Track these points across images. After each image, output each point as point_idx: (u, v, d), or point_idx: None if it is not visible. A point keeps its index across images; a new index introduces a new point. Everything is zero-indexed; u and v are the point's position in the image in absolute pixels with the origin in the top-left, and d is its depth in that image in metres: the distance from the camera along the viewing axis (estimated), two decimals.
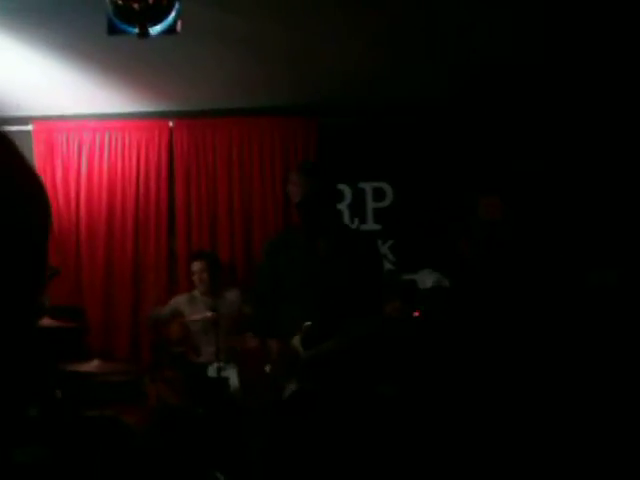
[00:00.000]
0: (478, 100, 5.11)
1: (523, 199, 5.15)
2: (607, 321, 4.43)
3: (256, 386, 2.99)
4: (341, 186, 5.24)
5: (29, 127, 5.23)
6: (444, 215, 5.18)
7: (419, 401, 3.94)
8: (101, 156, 5.31)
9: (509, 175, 5.18)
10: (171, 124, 5.34)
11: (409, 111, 5.26)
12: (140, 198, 5.28)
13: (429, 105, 5.19)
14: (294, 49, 4.28)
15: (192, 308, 4.69)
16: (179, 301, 4.83)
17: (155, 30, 2.73)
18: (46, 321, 3.85)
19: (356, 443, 2.76)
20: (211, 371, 4.17)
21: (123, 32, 2.73)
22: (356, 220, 5.36)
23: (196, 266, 4.80)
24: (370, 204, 5.38)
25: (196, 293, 4.83)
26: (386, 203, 5.38)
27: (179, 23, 2.81)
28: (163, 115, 5.33)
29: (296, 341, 2.79)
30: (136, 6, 2.57)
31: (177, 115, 5.34)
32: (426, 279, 4.53)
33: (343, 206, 5.30)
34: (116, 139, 5.32)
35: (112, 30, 2.75)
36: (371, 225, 5.37)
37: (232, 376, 4.07)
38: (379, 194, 5.39)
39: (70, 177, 5.28)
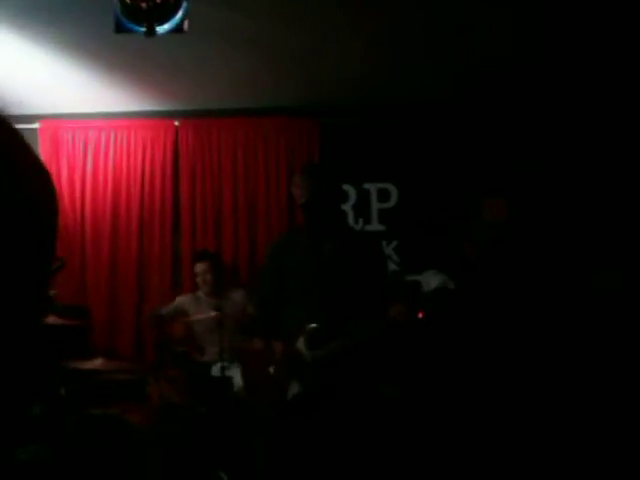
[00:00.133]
0: (483, 101, 5.11)
1: (528, 201, 5.14)
2: (612, 323, 4.42)
3: (260, 387, 2.99)
4: (346, 187, 5.23)
5: (35, 125, 5.24)
6: (448, 216, 5.18)
7: (422, 402, 3.94)
8: (106, 155, 5.31)
9: (513, 176, 5.18)
10: (177, 123, 5.35)
11: (414, 112, 5.26)
12: (145, 197, 5.28)
13: (434, 106, 5.19)
14: (300, 50, 4.28)
15: (196, 308, 4.69)
16: (184, 300, 4.83)
17: (162, 29, 2.73)
18: (51, 319, 3.86)
19: (359, 444, 2.76)
20: (215, 370, 4.17)
21: (130, 31, 2.74)
22: (360, 221, 5.35)
23: (199, 267, 4.79)
24: (375, 205, 5.37)
25: (200, 293, 4.83)
26: (391, 204, 5.38)
27: (186, 22, 2.82)
28: (169, 114, 5.34)
29: (300, 343, 2.78)
30: (144, 5, 2.57)
31: (183, 114, 5.35)
32: (430, 280, 4.52)
33: (348, 207, 5.30)
34: (122, 138, 5.33)
35: (119, 29, 2.75)
36: (376, 226, 5.36)
37: (236, 375, 4.07)
38: (384, 195, 5.38)
39: (75, 176, 5.29)
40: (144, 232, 5.27)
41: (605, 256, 4.94)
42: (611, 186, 5.09)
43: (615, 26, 4.03)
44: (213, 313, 4.22)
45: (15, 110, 5.05)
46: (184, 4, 2.73)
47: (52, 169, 5.21)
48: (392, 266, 5.15)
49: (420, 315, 4.09)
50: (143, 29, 2.68)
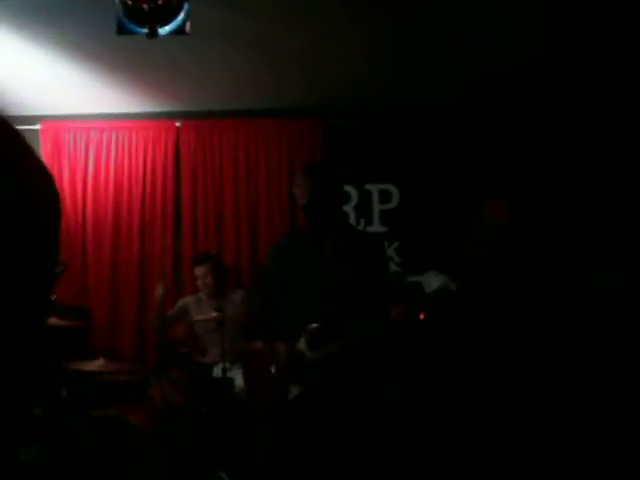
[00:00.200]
0: (485, 103, 5.11)
1: (529, 202, 5.14)
2: (612, 324, 4.42)
3: (261, 387, 2.99)
4: (347, 188, 5.24)
5: (36, 126, 5.25)
6: (450, 218, 5.18)
7: (423, 403, 3.94)
8: (108, 156, 5.32)
9: (515, 178, 5.18)
10: (178, 124, 5.35)
11: (416, 113, 5.26)
12: (147, 198, 5.29)
13: (436, 107, 5.19)
14: (301, 51, 4.28)
15: (198, 309, 4.69)
16: (186, 302, 4.83)
17: (164, 30, 2.73)
18: (52, 320, 3.86)
19: (360, 444, 2.76)
20: (216, 372, 4.17)
21: (132, 32, 2.74)
22: (362, 222, 5.36)
23: (199, 270, 4.77)
24: (376, 206, 5.38)
25: (202, 295, 4.82)
26: (392, 205, 5.38)
27: (188, 24, 2.82)
28: (170, 115, 5.34)
29: (302, 343, 2.78)
30: (145, 6, 2.57)
31: (184, 115, 5.35)
32: (432, 281, 4.52)
33: (349, 208, 5.30)
34: (123, 139, 5.33)
35: (121, 30, 2.75)
36: (377, 227, 5.36)
37: (237, 377, 4.07)
38: (385, 196, 5.38)
39: (77, 177, 5.30)
40: (145, 233, 5.27)
41: (605, 257, 4.94)
42: (611, 187, 5.08)
43: (616, 28, 4.03)
44: (214, 314, 4.22)
45: (16, 111, 5.06)
46: (186, 5, 2.73)
47: (53, 170, 5.21)
48: (393, 267, 5.15)
49: (421, 316, 4.09)
50: (145, 31, 2.68)
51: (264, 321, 3.07)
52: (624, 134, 5.07)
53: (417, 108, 5.20)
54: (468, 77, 4.75)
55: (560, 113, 5.13)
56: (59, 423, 3.52)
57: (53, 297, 3.83)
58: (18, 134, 0.77)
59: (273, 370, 2.85)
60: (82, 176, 5.29)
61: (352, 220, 5.29)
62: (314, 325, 2.77)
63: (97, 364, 3.85)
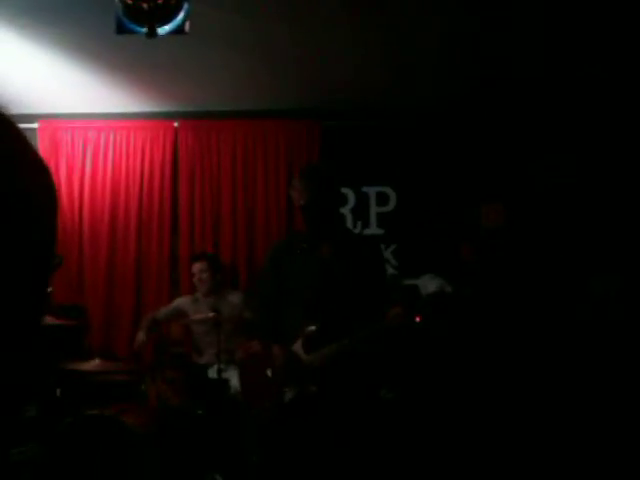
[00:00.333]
0: (482, 106, 5.12)
1: (526, 205, 5.15)
2: (610, 327, 4.42)
3: (257, 389, 2.98)
4: (345, 190, 5.22)
5: (34, 125, 5.23)
6: (447, 220, 5.18)
7: (419, 406, 3.94)
8: (105, 155, 5.31)
9: (512, 181, 5.19)
10: (176, 125, 5.35)
11: (413, 116, 5.27)
12: (144, 198, 5.28)
13: (433, 110, 5.20)
14: (300, 53, 4.28)
15: (195, 309, 4.69)
16: (182, 302, 4.82)
17: (163, 30, 2.73)
18: (48, 319, 3.85)
19: (356, 447, 2.75)
20: (211, 372, 4.16)
21: (132, 32, 2.74)
22: (359, 224, 5.36)
23: (196, 267, 4.79)
24: (373, 208, 5.38)
25: (199, 295, 4.82)
26: (389, 208, 5.38)
27: (187, 24, 2.81)
28: (168, 116, 5.34)
29: (298, 345, 2.78)
30: (145, 6, 2.57)
31: (182, 116, 5.35)
32: (428, 284, 4.52)
33: (346, 210, 5.30)
34: (121, 139, 5.33)
35: (121, 29, 2.75)
36: (374, 229, 5.36)
37: (233, 378, 4.06)
38: (382, 199, 5.39)
39: (74, 176, 5.29)
40: (142, 233, 5.26)
41: (603, 260, 4.94)
42: (609, 190, 5.09)
43: (618, 34, 4.04)
44: (211, 314, 4.21)
45: (14, 109, 5.01)
46: (185, 5, 2.73)
47: (51, 169, 5.19)
48: (390, 270, 5.15)
49: (417, 319, 4.09)
50: (144, 30, 2.68)
51: (261, 323, 3.06)
52: (621, 136, 5.08)
53: (415, 111, 5.21)
54: (466, 80, 4.75)
55: (556, 116, 5.14)
56: (54, 423, 3.51)
57: (49, 289, 3.82)
58: (16, 129, 0.77)
59: (269, 372, 2.84)
60: (79, 175, 5.28)
61: (349, 222, 5.30)
62: (311, 327, 2.77)
63: (92, 364, 3.83)
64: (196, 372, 4.13)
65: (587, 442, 3.72)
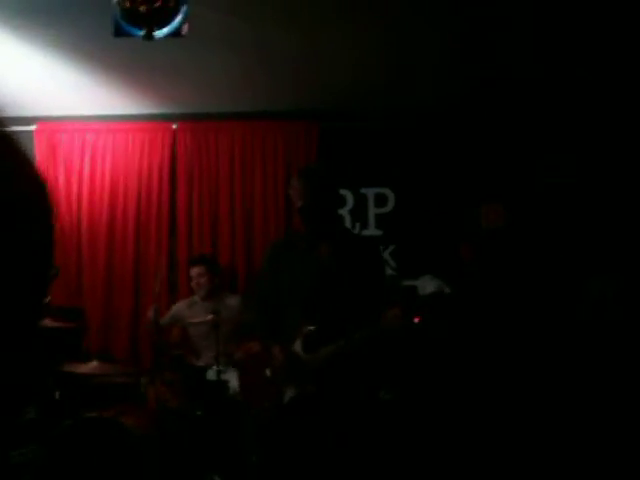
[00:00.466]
0: (480, 107, 5.12)
1: (525, 206, 5.15)
2: (608, 328, 4.43)
3: (256, 389, 2.98)
4: (343, 191, 5.23)
5: (32, 127, 5.24)
6: (446, 221, 5.19)
7: (418, 406, 3.94)
8: (104, 158, 5.31)
9: (511, 182, 5.19)
10: (174, 127, 5.35)
11: (411, 117, 5.27)
12: (142, 200, 5.28)
13: (432, 111, 5.20)
14: (298, 54, 4.29)
15: (192, 312, 4.69)
16: (179, 307, 4.83)
17: (161, 33, 2.74)
18: (46, 322, 3.85)
19: (355, 448, 2.76)
20: (210, 374, 4.16)
21: (129, 34, 2.74)
22: (358, 225, 5.36)
23: (194, 271, 4.78)
24: (372, 210, 5.38)
25: (196, 298, 4.82)
26: (388, 209, 5.39)
27: (185, 27, 2.82)
28: (166, 118, 5.34)
29: (297, 345, 2.78)
30: (143, 9, 2.57)
31: (180, 118, 5.35)
32: (427, 285, 4.53)
33: (345, 211, 5.31)
34: (119, 141, 5.33)
35: (118, 32, 2.76)
36: (373, 230, 5.37)
37: (231, 380, 4.07)
38: (381, 200, 5.39)
39: (72, 178, 5.29)
40: (140, 235, 5.26)
41: (602, 261, 4.95)
42: (608, 190, 5.10)
43: (619, 37, 4.04)
44: (210, 316, 4.21)
45: (12, 112, 5.05)
46: (183, 8, 2.73)
47: (49, 171, 5.20)
48: (389, 271, 5.16)
49: (416, 320, 4.09)
50: (142, 33, 2.68)
51: (259, 323, 3.06)
52: (620, 137, 5.09)
53: (413, 112, 5.21)
54: (465, 81, 4.76)
55: (556, 116, 5.14)
56: (52, 425, 3.51)
57: (47, 300, 3.82)
58: (14, 142, 0.78)
59: (268, 372, 2.85)
60: (77, 178, 5.28)
61: (348, 224, 5.30)
62: (310, 327, 2.77)
63: (91, 366, 3.83)
64: (195, 374, 4.13)
65: (587, 442, 3.73)
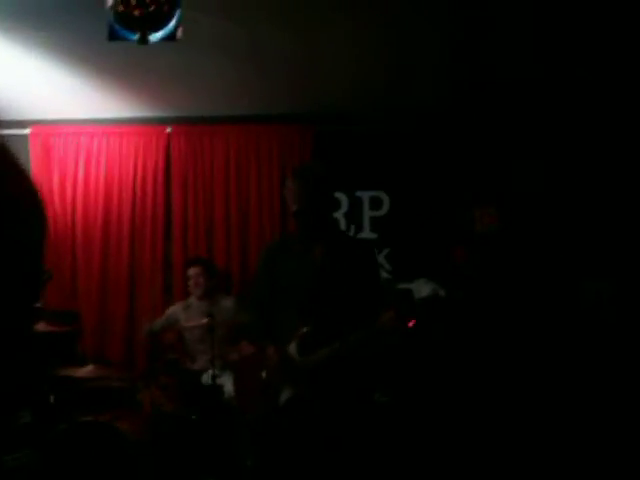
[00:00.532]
0: (475, 110, 5.14)
1: (519, 209, 5.17)
2: (602, 331, 4.44)
3: (251, 392, 2.98)
4: (338, 194, 5.25)
5: (26, 131, 5.23)
6: (440, 224, 5.20)
7: (412, 409, 3.94)
8: (98, 161, 5.31)
9: (505, 185, 5.21)
10: (169, 130, 5.35)
11: (406, 121, 5.28)
12: (137, 203, 5.28)
13: (426, 115, 5.21)
14: (293, 58, 4.30)
15: (187, 315, 4.69)
16: (175, 310, 4.83)
17: (155, 37, 2.74)
18: (41, 326, 3.84)
19: (350, 450, 2.76)
20: (205, 378, 4.16)
21: (124, 39, 2.74)
22: (353, 228, 5.37)
23: (192, 271, 4.81)
24: (367, 213, 5.39)
25: (191, 300, 4.83)
26: (383, 212, 5.40)
27: (179, 31, 2.82)
28: (161, 121, 5.34)
29: (292, 348, 2.78)
30: (137, 13, 2.58)
31: (175, 121, 5.35)
32: (422, 288, 4.53)
33: (340, 214, 5.32)
34: (113, 144, 5.33)
35: (112, 36, 2.76)
36: (367, 233, 5.38)
37: (226, 383, 4.06)
38: (376, 203, 5.40)
39: (67, 181, 5.28)
40: (135, 238, 5.26)
41: (596, 264, 4.96)
42: (602, 193, 5.12)
43: (614, 40, 4.06)
44: (204, 320, 4.21)
45: (6, 115, 5.05)
46: (177, 12, 2.73)
47: (43, 175, 5.20)
48: (384, 274, 5.16)
49: (411, 323, 4.10)
50: (136, 37, 2.69)
51: (254, 325, 3.06)
52: (615, 140, 5.10)
53: (408, 115, 5.22)
54: (459, 85, 4.77)
55: (550, 120, 5.16)
56: (47, 429, 3.50)
57: (39, 305, 3.81)
58: (4, 150, 0.78)
59: (264, 375, 2.84)
60: (72, 181, 5.28)
61: (342, 227, 5.31)
62: (305, 329, 2.77)
63: (86, 370, 3.83)
64: (190, 378, 4.13)
65: (583, 445, 3.73)
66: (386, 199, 5.40)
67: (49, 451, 3.35)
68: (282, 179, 5.11)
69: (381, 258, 5.25)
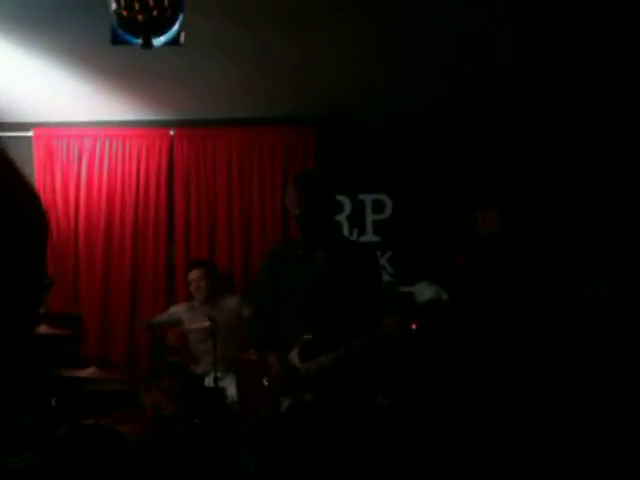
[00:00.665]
0: (476, 113, 5.14)
1: (521, 212, 5.16)
2: (603, 334, 4.44)
3: (254, 398, 2.98)
4: (341, 197, 5.26)
5: (29, 133, 5.24)
6: (442, 227, 5.20)
7: (415, 413, 3.94)
8: (101, 164, 5.31)
9: (507, 188, 5.20)
10: (172, 133, 5.35)
11: (409, 124, 5.28)
12: (139, 206, 5.28)
13: (429, 118, 5.21)
14: (296, 61, 4.30)
15: (191, 317, 4.69)
16: (178, 310, 4.82)
17: (158, 41, 2.74)
18: (43, 328, 3.85)
19: (353, 456, 2.75)
20: (208, 381, 4.16)
21: (127, 43, 2.74)
22: (355, 231, 5.37)
23: (194, 274, 4.79)
24: (369, 216, 5.39)
25: (195, 303, 4.82)
26: (385, 215, 5.40)
27: (183, 35, 2.82)
28: (164, 124, 5.34)
29: (294, 354, 2.78)
30: (140, 17, 2.58)
31: (178, 124, 5.36)
32: (424, 291, 4.54)
33: (342, 217, 5.32)
34: (116, 147, 5.33)
35: (116, 40, 2.76)
36: (370, 237, 5.38)
37: (229, 387, 4.06)
38: (378, 206, 5.40)
39: (70, 184, 5.28)
40: (138, 241, 5.26)
41: (596, 267, 4.96)
42: (603, 197, 5.11)
43: (616, 41, 4.06)
44: (207, 323, 4.21)
45: (9, 117, 5.06)
46: (180, 17, 2.74)
47: (46, 177, 5.21)
48: (386, 277, 5.17)
49: (413, 326, 4.10)
50: (139, 41, 2.69)
51: (256, 332, 3.06)
52: (618, 143, 5.10)
53: (410, 119, 5.22)
54: (461, 88, 4.77)
55: (552, 123, 5.15)
56: (49, 432, 3.51)
57: (42, 310, 3.81)
58: (7, 157, 0.78)
59: (265, 381, 2.84)
60: (75, 183, 5.28)
61: (345, 230, 5.31)
62: (307, 336, 2.77)
63: (88, 372, 3.84)
64: (192, 381, 4.13)
65: (584, 447, 3.73)
66: (389, 202, 5.40)
67: (51, 454, 3.35)
68: (285, 181, 5.11)
69: (383, 261, 5.25)
